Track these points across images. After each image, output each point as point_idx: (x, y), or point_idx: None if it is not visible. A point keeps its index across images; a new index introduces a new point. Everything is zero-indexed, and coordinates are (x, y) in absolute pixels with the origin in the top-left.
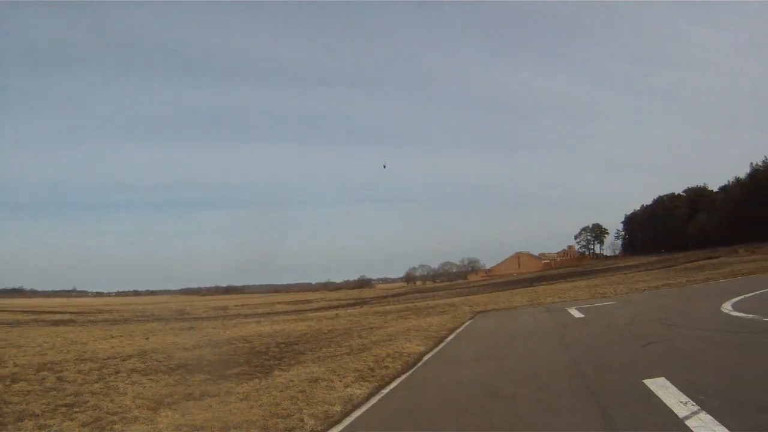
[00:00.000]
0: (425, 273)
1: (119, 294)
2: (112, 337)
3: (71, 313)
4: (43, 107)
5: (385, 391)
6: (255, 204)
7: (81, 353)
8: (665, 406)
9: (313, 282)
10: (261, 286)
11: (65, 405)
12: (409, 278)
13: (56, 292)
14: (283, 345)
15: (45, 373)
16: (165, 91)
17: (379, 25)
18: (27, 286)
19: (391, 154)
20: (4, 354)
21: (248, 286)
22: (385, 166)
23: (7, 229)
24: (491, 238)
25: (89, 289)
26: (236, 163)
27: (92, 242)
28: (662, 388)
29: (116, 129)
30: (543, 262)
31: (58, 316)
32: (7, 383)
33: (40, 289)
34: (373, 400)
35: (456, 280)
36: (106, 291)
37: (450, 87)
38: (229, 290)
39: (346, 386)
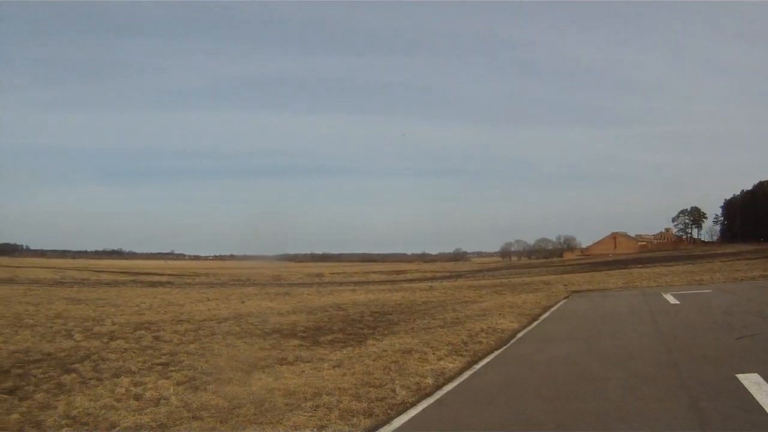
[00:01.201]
0: (521, 249)
1: (216, 258)
2: (209, 299)
3: (169, 275)
4: (144, 73)
5: (477, 366)
6: (342, 173)
7: (178, 314)
8: (757, 403)
9: (409, 253)
10: (356, 254)
11: (161, 364)
12: (504, 253)
13: (154, 254)
14: (377, 314)
15: (142, 332)
16: (272, 59)
17: None
18: (126, 249)
19: (484, 129)
20: (103, 313)
21: (344, 255)
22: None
23: (108, 193)
24: (588, 217)
25: (186, 253)
26: (325, 132)
27: (189, 207)
28: (755, 385)
29: (208, 96)
30: (639, 243)
31: (156, 278)
32: (105, 340)
33: (138, 251)
34: (465, 375)
35: (551, 257)
36: (203, 254)
37: (538, 59)
38: (324, 258)
39: (439, 359)
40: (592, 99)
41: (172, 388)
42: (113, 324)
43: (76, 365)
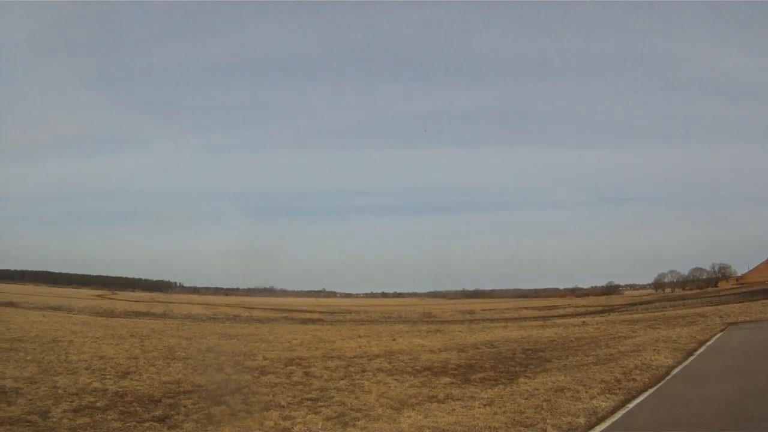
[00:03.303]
0: (674, 279)
1: (367, 296)
2: (360, 336)
3: (320, 312)
4: (285, 116)
5: (630, 405)
6: (491, 207)
7: (328, 351)
8: None
9: (560, 287)
10: (507, 290)
11: (310, 399)
12: (657, 285)
13: (306, 292)
14: (529, 351)
15: (293, 367)
16: (428, 95)
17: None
18: (277, 286)
19: (621, 152)
20: (254, 348)
21: (495, 291)
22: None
23: (260, 232)
24: (743, 242)
25: (338, 290)
26: (476, 167)
27: (340, 245)
28: None
29: (362, 134)
30: None
31: (307, 315)
32: (256, 375)
33: (290, 289)
34: (618, 414)
35: (705, 287)
36: (354, 292)
37: (675, 73)
38: (476, 294)
39: (592, 398)
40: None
41: (321, 423)
42: (264, 359)
43: (227, 398)
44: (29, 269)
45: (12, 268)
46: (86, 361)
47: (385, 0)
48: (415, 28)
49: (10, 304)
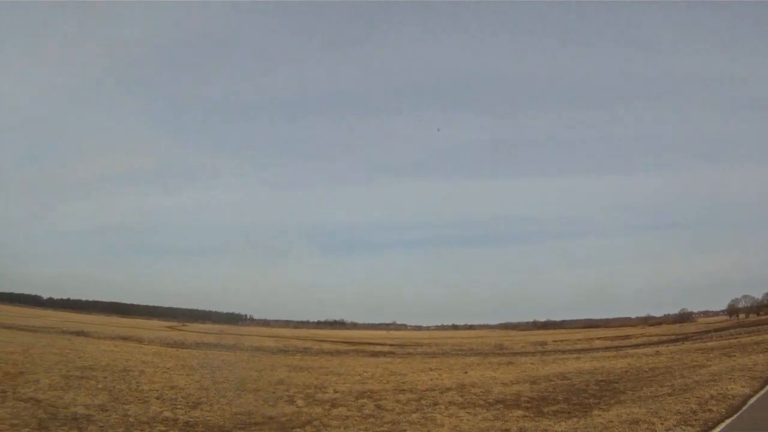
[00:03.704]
0: (748, 304)
1: (438, 328)
2: (431, 369)
3: (390, 345)
4: (352, 150)
5: None
6: (562, 237)
7: (400, 384)
8: None
9: (632, 316)
10: (578, 320)
11: None
12: (731, 311)
13: (376, 325)
14: (602, 383)
15: (364, 400)
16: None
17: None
18: (347, 319)
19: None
20: (325, 381)
21: (566, 321)
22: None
23: (329, 265)
24: None
25: (408, 323)
26: (542, 196)
27: (410, 278)
28: None
29: (428, 166)
30: None
31: (378, 348)
32: (327, 407)
33: (360, 322)
34: None
35: None
36: (424, 325)
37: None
38: (547, 325)
39: (667, 430)
40: None
41: None
42: (335, 392)
43: (297, 430)
44: (100, 300)
45: (84, 298)
46: (157, 390)
47: (439, 34)
48: (470, 61)
49: (82, 334)
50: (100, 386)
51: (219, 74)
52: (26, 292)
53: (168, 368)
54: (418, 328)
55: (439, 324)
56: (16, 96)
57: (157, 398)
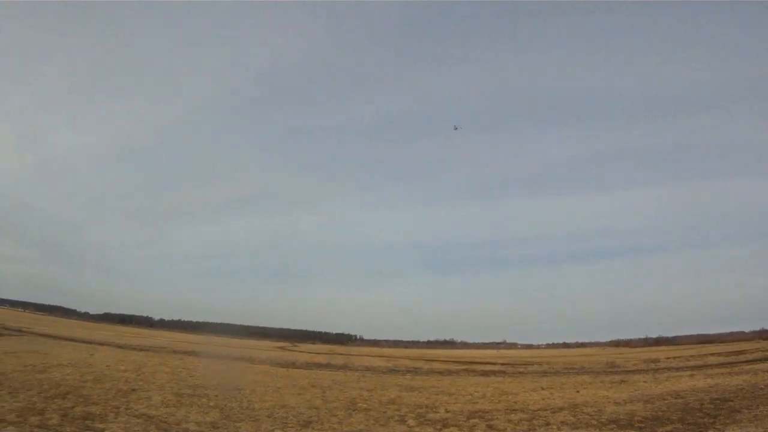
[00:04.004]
0: None
1: (548, 346)
2: (543, 388)
3: (501, 364)
4: (459, 167)
5: None
6: (672, 250)
7: (511, 403)
8: None
9: (746, 330)
10: (691, 335)
11: None
12: None
13: (486, 344)
14: (717, 401)
15: (475, 420)
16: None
17: None
18: (457, 338)
19: None
20: (436, 400)
21: (678, 337)
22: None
23: (439, 284)
24: None
25: (519, 341)
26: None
27: (520, 295)
28: None
29: (539, 182)
30: None
31: (489, 367)
32: (439, 427)
33: (470, 341)
34: None
35: None
36: (535, 343)
37: None
38: (659, 341)
39: None
40: None
41: None
42: (446, 411)
43: None
44: (211, 321)
45: (194, 319)
46: (268, 409)
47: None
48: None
49: (193, 354)
50: (211, 404)
51: (317, 100)
52: (138, 313)
53: (278, 387)
54: (529, 346)
55: (550, 342)
56: (130, 128)
57: (268, 417)
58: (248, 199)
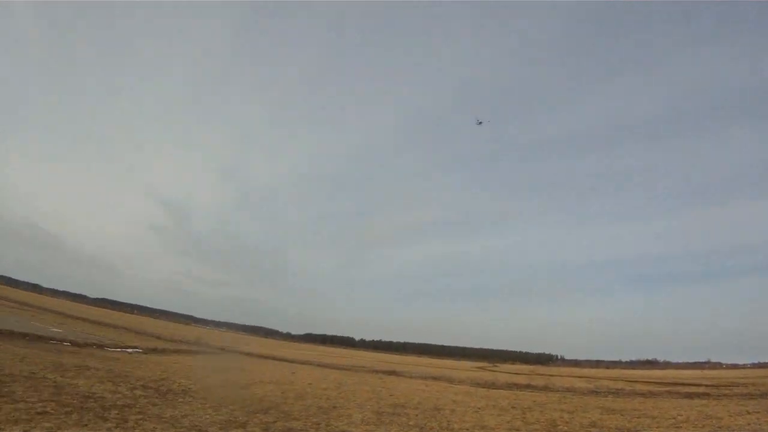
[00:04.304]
0: None
1: (755, 365)
2: (748, 413)
3: (705, 385)
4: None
5: None
6: None
7: (716, 428)
8: None
9: None
10: None
11: None
12: None
13: (690, 364)
14: None
15: None
16: None
17: None
18: (660, 358)
19: None
20: (638, 424)
21: None
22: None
23: (643, 302)
24: None
25: (723, 361)
26: None
27: (725, 312)
28: None
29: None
30: None
31: (692, 389)
32: None
33: (673, 360)
34: None
35: None
36: (740, 362)
37: None
38: None
39: None
40: None
41: None
42: None
43: None
44: (411, 341)
45: (395, 340)
46: (467, 429)
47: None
48: None
49: (393, 373)
50: (411, 423)
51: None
52: (340, 333)
53: (478, 408)
54: (734, 366)
55: (756, 361)
56: (322, 155)
57: None
58: (439, 223)
